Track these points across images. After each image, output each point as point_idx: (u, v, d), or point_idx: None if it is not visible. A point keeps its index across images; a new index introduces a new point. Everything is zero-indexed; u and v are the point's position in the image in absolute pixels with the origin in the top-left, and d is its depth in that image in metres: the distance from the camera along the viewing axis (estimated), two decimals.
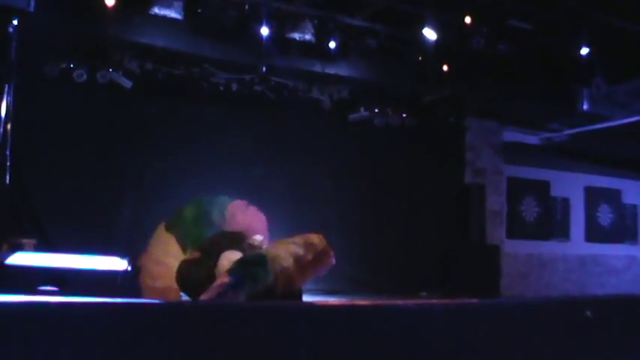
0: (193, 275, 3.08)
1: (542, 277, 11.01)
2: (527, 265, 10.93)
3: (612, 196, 12.26)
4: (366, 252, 9.50)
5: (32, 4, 5.91)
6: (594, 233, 11.97)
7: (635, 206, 12.53)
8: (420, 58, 8.53)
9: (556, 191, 11.59)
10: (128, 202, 8.28)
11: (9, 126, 6.08)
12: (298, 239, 3.09)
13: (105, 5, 7.00)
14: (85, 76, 7.89)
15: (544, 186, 11.46)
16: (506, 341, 2.02)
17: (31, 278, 3.95)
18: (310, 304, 1.93)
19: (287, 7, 7.75)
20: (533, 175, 11.34)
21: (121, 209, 8.24)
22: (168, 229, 3.38)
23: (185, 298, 3.14)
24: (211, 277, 2.97)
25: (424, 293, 9.25)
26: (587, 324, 2.18)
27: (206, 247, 3.19)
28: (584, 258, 11.63)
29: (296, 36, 7.90)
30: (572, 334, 2.17)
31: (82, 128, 7.97)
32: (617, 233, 12.21)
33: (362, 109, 9.69)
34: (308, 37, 7.90)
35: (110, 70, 8.00)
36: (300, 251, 3.02)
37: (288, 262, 2.94)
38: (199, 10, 7.37)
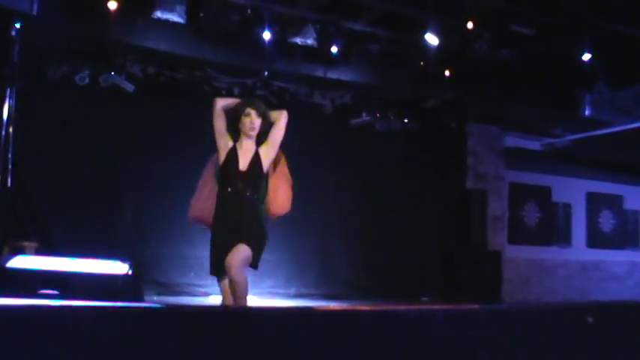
0: None
1: (543, 282, 10.98)
2: (529, 271, 10.90)
3: (614, 202, 12.23)
4: (367, 257, 9.48)
5: (35, 7, 5.93)
6: (596, 239, 11.95)
7: (636, 212, 12.50)
8: (422, 63, 8.51)
9: (558, 197, 11.57)
10: (129, 206, 8.28)
11: (11, 129, 6.09)
12: None
13: (107, 9, 7.01)
14: (87, 80, 7.89)
15: (546, 191, 11.44)
16: (508, 347, 2.01)
17: (32, 281, 3.96)
18: (312, 309, 1.93)
19: (289, 11, 7.74)
20: (535, 180, 11.32)
21: (123, 213, 8.24)
22: None
23: None
24: None
25: (425, 298, 9.23)
26: (589, 330, 2.17)
27: None
28: (585, 264, 11.60)
29: (298, 40, 7.89)
30: (574, 339, 2.17)
31: (84, 132, 7.97)
32: (619, 239, 12.18)
33: (364, 114, 9.68)
34: (310, 41, 7.89)
35: (112, 73, 8.01)
36: None
37: None
38: (201, 14, 7.36)
